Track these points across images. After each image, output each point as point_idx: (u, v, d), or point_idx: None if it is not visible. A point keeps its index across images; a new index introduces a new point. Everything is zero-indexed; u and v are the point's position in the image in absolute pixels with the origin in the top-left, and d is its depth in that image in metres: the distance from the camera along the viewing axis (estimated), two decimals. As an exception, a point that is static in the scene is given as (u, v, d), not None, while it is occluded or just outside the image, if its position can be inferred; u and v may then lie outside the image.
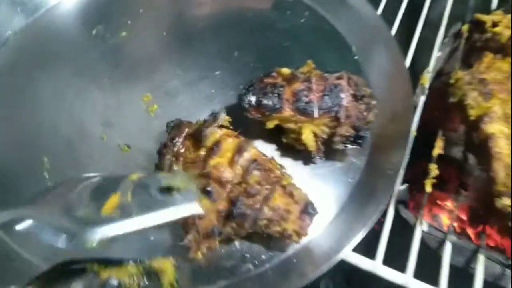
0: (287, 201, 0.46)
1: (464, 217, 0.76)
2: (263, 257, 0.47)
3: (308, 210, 0.46)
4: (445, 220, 0.78)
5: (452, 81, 0.56)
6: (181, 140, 0.49)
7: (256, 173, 0.46)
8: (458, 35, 0.72)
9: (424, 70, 0.64)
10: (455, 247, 0.52)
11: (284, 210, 0.45)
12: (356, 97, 0.51)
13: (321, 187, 0.53)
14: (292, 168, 0.53)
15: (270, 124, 0.51)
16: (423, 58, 0.65)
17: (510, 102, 0.52)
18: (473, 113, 0.53)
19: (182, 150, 0.48)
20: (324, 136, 0.52)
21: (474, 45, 0.74)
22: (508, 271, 0.56)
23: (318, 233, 0.49)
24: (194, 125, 0.50)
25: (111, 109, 0.58)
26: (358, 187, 0.52)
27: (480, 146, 0.52)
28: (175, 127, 0.51)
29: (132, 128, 0.56)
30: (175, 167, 0.48)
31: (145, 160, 0.53)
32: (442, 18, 0.71)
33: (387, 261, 0.48)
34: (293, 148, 0.54)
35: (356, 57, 0.64)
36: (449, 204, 0.89)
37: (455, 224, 0.72)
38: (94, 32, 0.65)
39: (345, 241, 0.46)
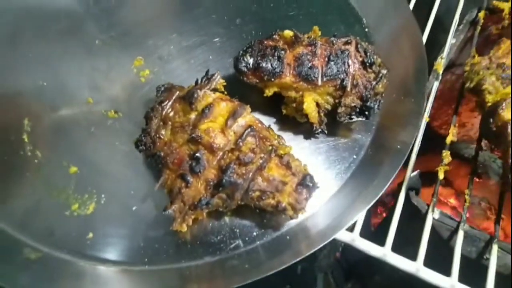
0: (283, 172, 0.42)
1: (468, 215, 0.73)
2: (255, 233, 0.43)
3: (306, 182, 0.41)
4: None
5: (467, 67, 0.52)
6: (170, 103, 0.44)
7: (250, 139, 0.42)
8: (473, 22, 0.68)
9: (438, 55, 0.59)
10: (467, 237, 0.48)
11: (280, 182, 0.41)
12: (364, 65, 0.47)
13: (322, 162, 0.48)
14: (292, 141, 0.49)
15: (269, 91, 0.47)
16: (438, 43, 0.61)
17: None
18: (490, 98, 0.49)
19: (171, 114, 0.44)
20: (328, 106, 0.47)
21: (490, 32, 0.71)
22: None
23: (316, 210, 0.45)
24: (186, 88, 0.46)
25: (99, 72, 0.54)
26: (362, 164, 0.48)
27: (497, 133, 0.48)
28: (165, 90, 0.47)
29: (121, 93, 0.52)
30: (163, 131, 0.44)
31: (132, 126, 0.49)
32: (458, 3, 0.67)
33: (397, 250, 0.44)
34: (294, 120, 0.49)
35: (367, 29, 0.60)
36: (452, 201, 0.86)
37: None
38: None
39: (344, 219, 0.41)
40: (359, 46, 0.48)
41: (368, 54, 0.47)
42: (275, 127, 0.50)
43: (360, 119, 0.48)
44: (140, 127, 0.45)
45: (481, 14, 0.67)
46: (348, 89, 0.46)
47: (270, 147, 0.42)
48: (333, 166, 0.48)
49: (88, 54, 0.55)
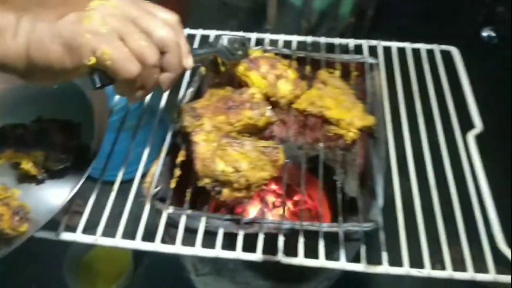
0: (4, 209, 0.72)
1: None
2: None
3: (17, 212, 0.72)
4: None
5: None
6: None
7: (-17, 198, 0.72)
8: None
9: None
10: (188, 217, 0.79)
11: (1, 215, 0.72)
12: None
13: (45, 196, 0.79)
14: (27, 189, 0.79)
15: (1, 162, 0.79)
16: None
17: (213, 120, 0.81)
18: (188, 130, 0.81)
19: None
20: (41, 163, 0.79)
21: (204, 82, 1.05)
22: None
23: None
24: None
25: None
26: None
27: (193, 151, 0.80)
28: None
29: None
30: None
31: None
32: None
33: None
34: (28, 175, 0.80)
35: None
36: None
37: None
38: None
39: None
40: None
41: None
42: (16, 183, 0.81)
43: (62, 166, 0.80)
44: None
45: (202, 69, 1.01)
46: (51, 151, 0.78)
47: (-2, 198, 0.73)
48: (54, 197, 0.79)
49: None
